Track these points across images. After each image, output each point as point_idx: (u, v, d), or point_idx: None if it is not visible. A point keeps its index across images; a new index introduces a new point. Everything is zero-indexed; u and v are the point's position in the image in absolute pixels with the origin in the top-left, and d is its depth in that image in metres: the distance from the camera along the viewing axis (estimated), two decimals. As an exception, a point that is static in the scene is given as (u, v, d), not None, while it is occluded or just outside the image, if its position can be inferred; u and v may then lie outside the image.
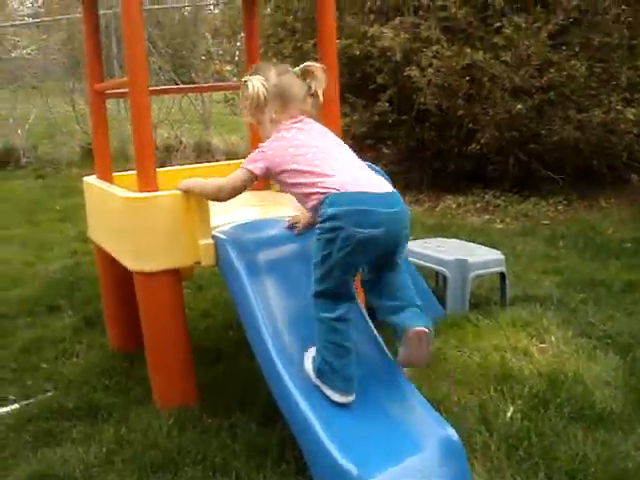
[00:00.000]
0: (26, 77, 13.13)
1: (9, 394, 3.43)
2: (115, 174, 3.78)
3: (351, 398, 2.55)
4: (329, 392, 2.54)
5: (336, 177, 2.56)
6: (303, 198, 2.65)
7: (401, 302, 2.60)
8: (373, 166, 3.77)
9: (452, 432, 2.41)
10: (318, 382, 2.57)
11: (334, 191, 2.51)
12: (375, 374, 2.65)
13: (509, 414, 2.95)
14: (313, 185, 2.58)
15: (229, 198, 2.85)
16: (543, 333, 3.79)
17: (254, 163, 2.74)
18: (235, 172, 2.80)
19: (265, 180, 2.83)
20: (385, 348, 2.75)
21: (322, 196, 2.53)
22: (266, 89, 2.77)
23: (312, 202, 2.59)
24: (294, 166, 2.64)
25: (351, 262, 2.52)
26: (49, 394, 3.40)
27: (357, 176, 2.59)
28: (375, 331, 2.81)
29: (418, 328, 2.50)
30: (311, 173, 2.60)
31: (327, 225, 2.49)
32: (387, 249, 2.56)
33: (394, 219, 2.53)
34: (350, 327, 2.60)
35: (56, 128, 12.29)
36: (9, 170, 11.39)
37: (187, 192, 2.97)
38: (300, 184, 2.63)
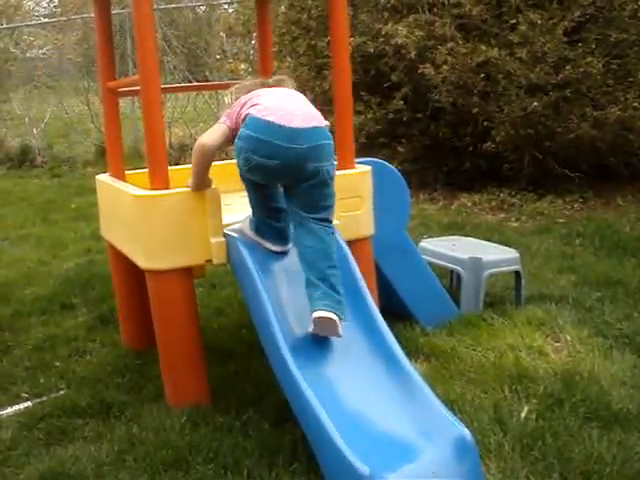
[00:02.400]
0: (41, 77, 13.20)
1: (22, 392, 3.43)
2: (127, 172, 3.78)
3: (288, 247, 2.97)
4: (268, 244, 2.95)
5: (260, 105, 2.82)
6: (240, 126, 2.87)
7: (316, 274, 2.76)
8: (384, 163, 3.78)
9: (465, 431, 2.38)
10: (258, 238, 2.96)
11: (253, 113, 2.79)
12: (388, 373, 2.62)
13: (523, 414, 2.92)
14: (246, 110, 2.85)
15: (209, 139, 2.98)
16: (558, 332, 3.76)
17: (220, 121, 3.02)
18: None
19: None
20: (398, 347, 2.72)
21: (244, 116, 2.83)
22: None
23: (240, 123, 2.85)
24: (238, 109, 2.92)
25: (257, 179, 2.84)
26: (62, 392, 3.40)
27: (280, 107, 2.81)
28: (388, 330, 2.78)
29: (324, 315, 2.66)
30: (247, 104, 2.88)
31: (237, 142, 2.80)
32: (289, 179, 2.81)
33: (295, 154, 2.72)
34: (272, 194, 2.92)
35: (71, 127, 12.34)
36: (25, 169, 11.45)
37: (198, 187, 2.99)
38: (240, 114, 2.88)
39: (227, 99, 3.23)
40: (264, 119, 2.75)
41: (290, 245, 2.97)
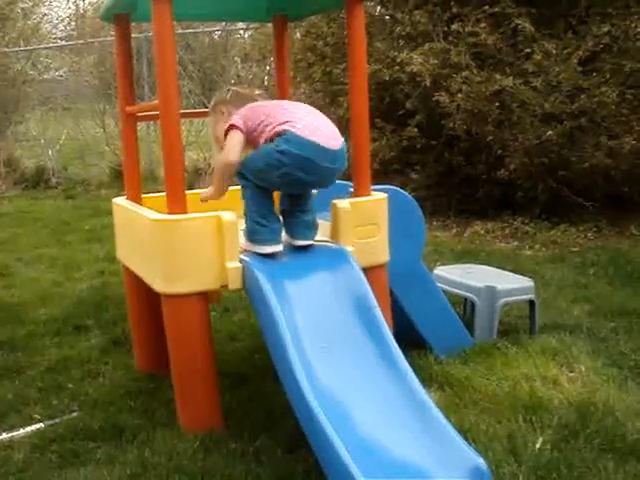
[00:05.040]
0: (58, 99, 13.33)
1: (35, 413, 3.43)
2: (144, 196, 3.80)
3: (280, 247, 3.06)
4: (262, 248, 3.02)
5: (298, 123, 2.97)
6: (265, 136, 3.01)
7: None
8: (400, 190, 3.79)
9: (481, 461, 2.36)
10: (251, 246, 3.05)
11: (294, 130, 2.93)
12: (403, 401, 2.61)
13: (538, 445, 2.90)
14: (281, 124, 2.97)
15: (236, 156, 3.09)
16: (573, 362, 3.74)
17: (233, 122, 3.11)
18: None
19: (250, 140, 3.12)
20: (414, 375, 2.71)
21: (282, 130, 2.94)
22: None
23: (271, 134, 2.97)
24: (263, 117, 3.04)
25: (282, 188, 3.09)
26: (74, 414, 3.40)
27: (316, 127, 2.99)
28: (403, 358, 2.77)
29: (303, 243, 3.11)
30: (278, 117, 3.01)
31: (276, 155, 2.93)
32: (313, 188, 3.20)
33: (331, 173, 3.05)
34: (272, 197, 3.11)
35: (86, 149, 12.43)
36: (40, 190, 11.54)
37: (219, 193, 3.19)
38: (269, 124, 3.00)
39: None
40: (309, 139, 2.93)
41: (281, 246, 3.08)
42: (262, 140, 3.02)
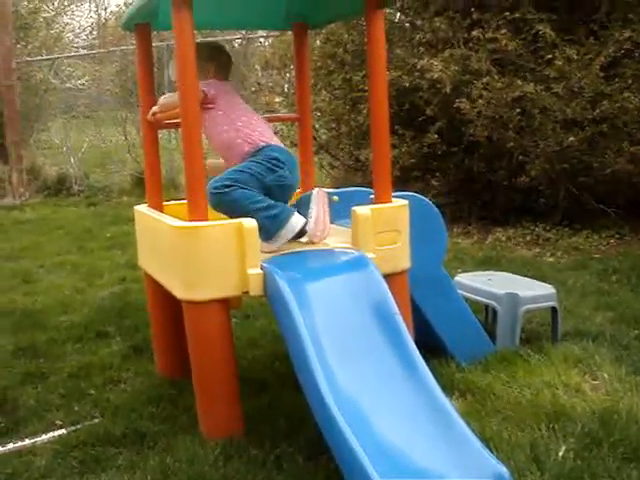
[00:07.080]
0: (80, 107, 13.44)
1: (57, 419, 3.45)
2: (165, 203, 3.82)
3: (301, 217, 3.29)
4: (292, 227, 3.24)
5: (270, 140, 3.42)
6: (240, 143, 3.40)
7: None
8: (422, 197, 3.78)
9: (504, 469, 2.34)
10: (273, 243, 3.24)
11: (273, 143, 3.40)
12: (425, 408, 2.60)
13: (561, 453, 2.87)
14: (260, 141, 3.38)
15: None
16: (596, 370, 3.70)
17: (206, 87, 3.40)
18: None
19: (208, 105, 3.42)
20: (435, 383, 2.70)
21: (265, 144, 3.36)
22: None
23: (248, 147, 3.37)
24: (241, 121, 3.44)
25: (271, 193, 3.30)
26: (96, 420, 3.41)
27: (277, 140, 3.49)
28: (425, 365, 2.76)
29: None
30: (253, 132, 3.42)
31: (273, 161, 3.31)
32: (292, 192, 3.50)
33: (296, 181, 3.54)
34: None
35: (108, 157, 12.51)
36: (62, 197, 11.62)
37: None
38: (248, 137, 3.39)
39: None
40: (284, 148, 3.44)
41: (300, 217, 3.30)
42: (245, 150, 3.37)
